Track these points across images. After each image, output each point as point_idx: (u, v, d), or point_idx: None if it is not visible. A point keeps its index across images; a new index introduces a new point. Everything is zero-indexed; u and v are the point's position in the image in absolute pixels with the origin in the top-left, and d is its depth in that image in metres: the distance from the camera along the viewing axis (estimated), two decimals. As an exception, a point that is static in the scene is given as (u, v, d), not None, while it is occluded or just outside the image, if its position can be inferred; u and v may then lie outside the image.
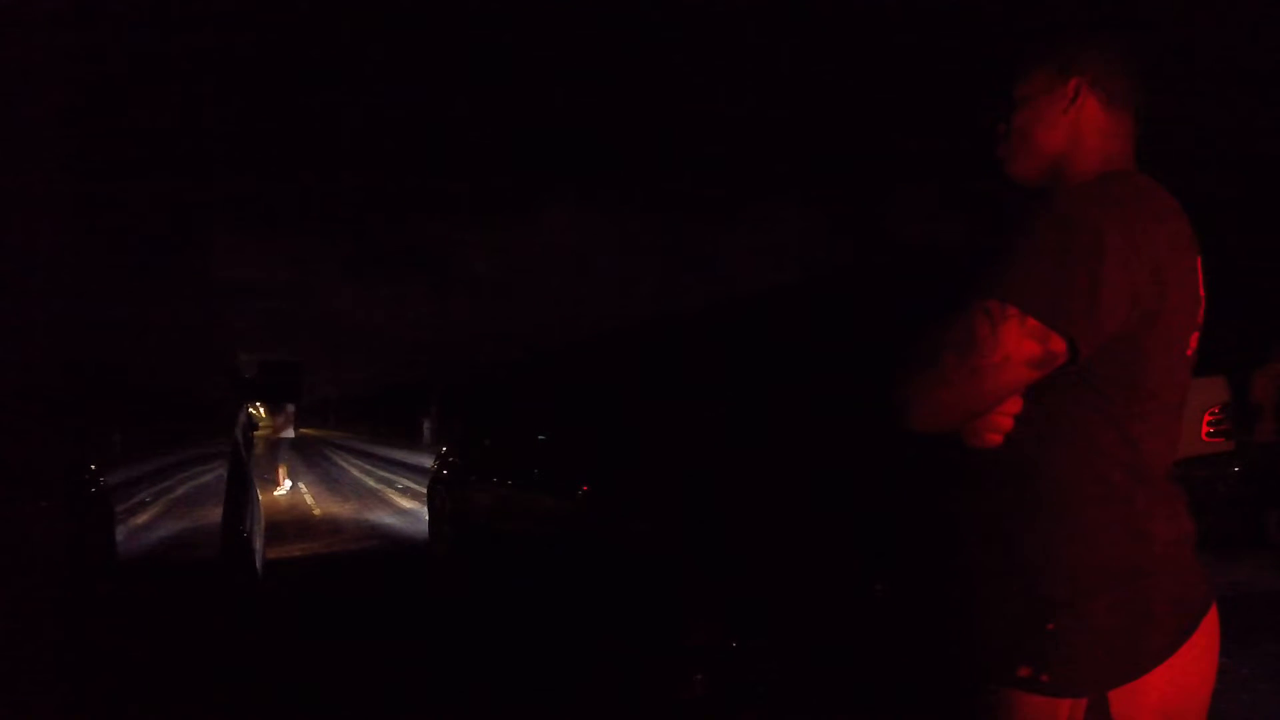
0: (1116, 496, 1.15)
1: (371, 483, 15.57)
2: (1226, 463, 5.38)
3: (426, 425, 29.98)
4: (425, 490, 8.18)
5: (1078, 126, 1.24)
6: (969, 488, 1.24)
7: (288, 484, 14.33)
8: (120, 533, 1.83)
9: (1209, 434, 5.31)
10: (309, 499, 12.75)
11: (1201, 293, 1.22)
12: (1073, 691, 1.12)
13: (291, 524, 9.92)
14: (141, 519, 2.06)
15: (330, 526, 9.76)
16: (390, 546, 8.30)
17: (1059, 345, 1.10)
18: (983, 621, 1.20)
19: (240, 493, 3.02)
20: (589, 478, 4.82)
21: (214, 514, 2.61)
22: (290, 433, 14.50)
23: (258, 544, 3.24)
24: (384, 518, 10.44)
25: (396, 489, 14.08)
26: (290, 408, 13.92)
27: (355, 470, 18.87)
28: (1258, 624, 4.21)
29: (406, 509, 11.17)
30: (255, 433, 6.66)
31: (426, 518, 8.01)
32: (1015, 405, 1.16)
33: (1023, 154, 1.29)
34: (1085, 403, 1.14)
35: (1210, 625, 1.20)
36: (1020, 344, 1.09)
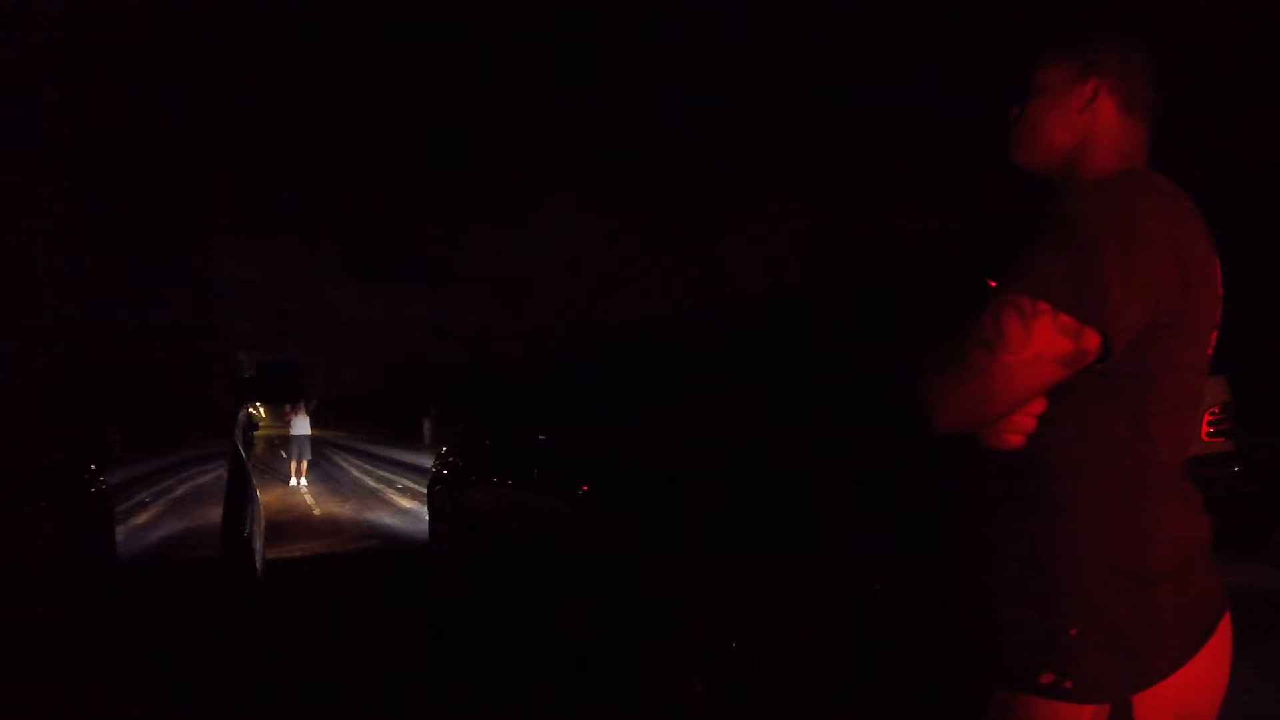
0: (1137, 497, 1.13)
1: (371, 483, 15.56)
2: (1226, 463, 5.37)
3: (426, 425, 29.96)
4: (425, 490, 8.18)
5: (1091, 127, 1.23)
6: (988, 489, 1.21)
7: (303, 482, 14.39)
8: (120, 533, 1.83)
9: (1209, 434, 5.31)
10: (309, 499, 12.75)
11: (1220, 292, 1.21)
12: (1098, 697, 1.10)
13: (291, 524, 9.92)
14: (141, 519, 2.06)
15: (330, 526, 9.75)
16: (390, 546, 8.30)
17: (1092, 342, 1.07)
18: (999, 626, 1.17)
19: (240, 493, 3.02)
20: (589, 478, 4.82)
21: (214, 514, 2.61)
22: (306, 429, 14.60)
23: (258, 544, 3.24)
24: (384, 518, 10.44)
25: (396, 489, 14.08)
26: (301, 403, 14.12)
27: (355, 470, 18.87)
28: (1258, 624, 4.20)
29: (406, 509, 11.16)
30: (256, 432, 6.66)
31: (426, 518, 8.01)
32: (1039, 405, 1.14)
33: (1031, 144, 1.28)
34: (1110, 401, 1.13)
35: (1225, 628, 1.19)
36: (1053, 341, 1.06)
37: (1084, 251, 1.08)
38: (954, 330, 1.13)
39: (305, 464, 14.73)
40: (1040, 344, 1.07)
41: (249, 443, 4.69)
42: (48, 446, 1.75)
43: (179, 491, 2.51)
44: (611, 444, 4.84)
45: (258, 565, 3.14)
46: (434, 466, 7.93)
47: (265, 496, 9.65)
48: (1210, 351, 1.20)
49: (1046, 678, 1.11)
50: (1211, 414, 5.34)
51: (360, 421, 52.71)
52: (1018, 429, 1.15)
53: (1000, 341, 1.08)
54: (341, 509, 11.46)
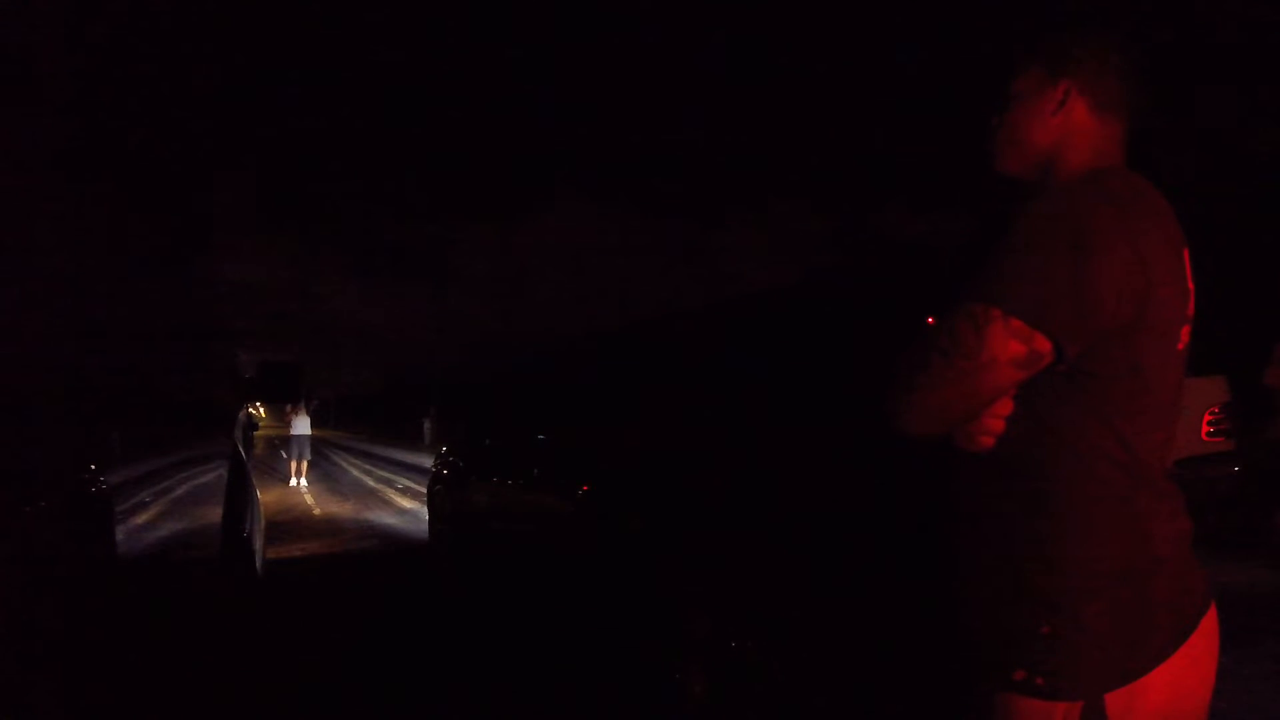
0: (1113, 495, 1.13)
1: (371, 483, 15.56)
2: (1226, 463, 5.37)
3: (426, 425, 29.96)
4: (425, 490, 8.18)
5: (1065, 128, 1.24)
6: (964, 490, 1.23)
7: (303, 482, 14.39)
8: (120, 533, 1.83)
9: (1209, 434, 5.31)
10: (309, 499, 12.75)
11: (1190, 286, 1.20)
12: (1068, 695, 1.11)
13: (291, 524, 9.92)
14: (141, 519, 2.06)
15: (330, 526, 9.75)
16: (390, 546, 8.30)
17: (1044, 345, 1.08)
18: (978, 624, 1.19)
19: (240, 493, 3.02)
20: (589, 478, 4.82)
21: (214, 514, 2.61)
22: (306, 429, 14.59)
23: (258, 544, 3.24)
24: (384, 518, 10.44)
25: (396, 489, 14.08)
26: (302, 403, 14.14)
27: (355, 470, 18.87)
28: (1258, 624, 4.20)
29: (406, 509, 11.16)
30: (255, 432, 6.67)
31: (426, 518, 8.01)
32: (1005, 407, 1.15)
33: (1011, 150, 1.29)
34: (1078, 401, 1.13)
35: (1209, 626, 1.19)
36: (1005, 345, 1.08)
37: (1034, 255, 1.09)
38: (921, 337, 1.15)
39: (305, 464, 14.73)
40: (993, 349, 1.08)
41: (249, 443, 4.70)
42: (48, 446, 1.75)
43: (179, 491, 2.51)
44: (611, 444, 4.84)
45: (258, 565, 3.14)
46: (434, 466, 7.93)
47: (265, 496, 9.65)
48: (1182, 346, 1.19)
49: (1019, 675, 1.12)
50: (1211, 414, 5.34)
51: (360, 422, 52.73)
52: (986, 431, 1.16)
53: (955, 347, 1.10)
54: (341, 509, 11.46)
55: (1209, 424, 5.32)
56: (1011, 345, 1.08)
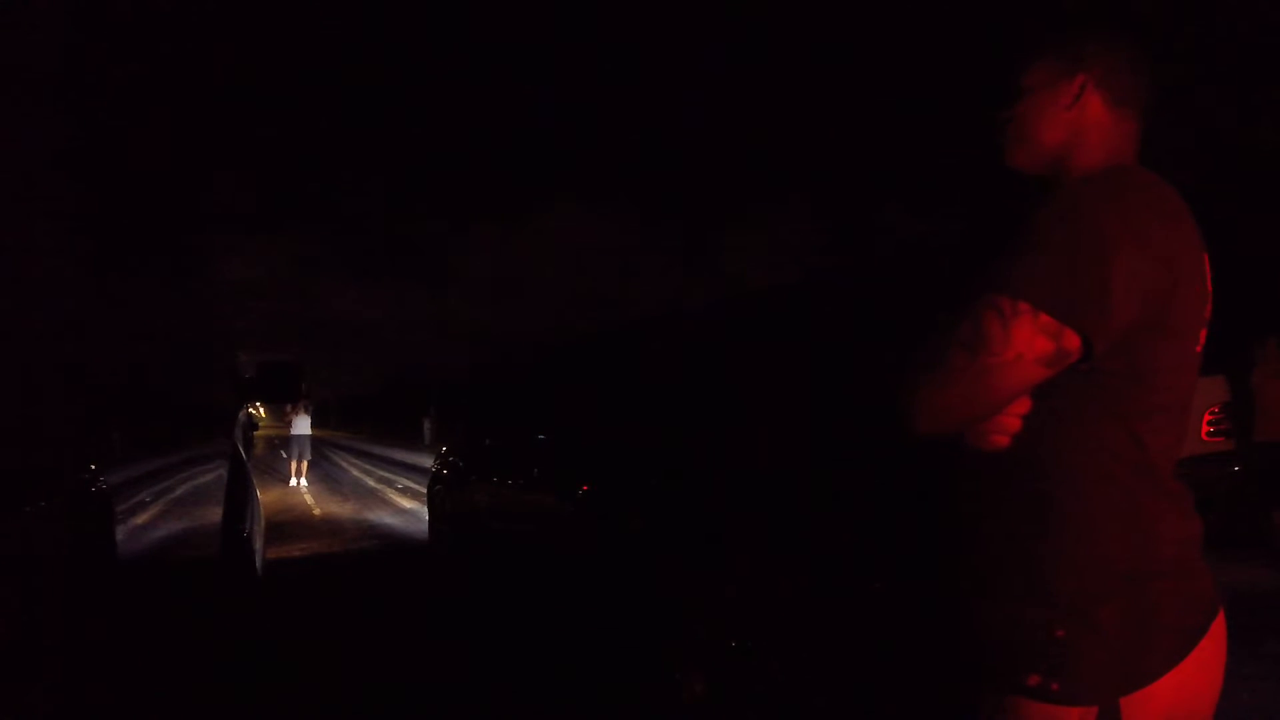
0: (1125, 497, 1.12)
1: (371, 483, 15.56)
2: (1226, 463, 5.37)
3: (426, 425, 29.97)
4: (425, 490, 8.18)
5: (1080, 123, 1.22)
6: (973, 489, 1.21)
7: (303, 482, 14.40)
8: (120, 533, 1.83)
9: (1209, 434, 5.31)
10: (309, 499, 12.75)
11: (1209, 288, 1.19)
12: (1084, 700, 1.09)
13: (291, 524, 9.92)
14: (141, 519, 2.05)
15: (330, 526, 9.75)
16: (390, 546, 8.29)
17: (1072, 342, 1.06)
18: (988, 626, 1.16)
19: (240, 493, 3.02)
20: (589, 478, 4.82)
21: (214, 514, 2.61)
22: (306, 429, 14.60)
23: (258, 544, 3.24)
24: (384, 518, 10.44)
25: (396, 489, 14.07)
26: (302, 404, 14.15)
27: (355, 470, 18.87)
28: (1258, 624, 4.20)
29: (406, 509, 11.16)
30: (255, 432, 6.66)
31: (426, 518, 8.01)
32: (1023, 406, 1.13)
33: (1022, 144, 1.27)
34: (1093, 401, 1.11)
35: (1219, 629, 1.17)
36: (1033, 341, 1.06)
37: (1063, 251, 1.07)
38: (938, 333, 1.12)
39: (305, 464, 14.73)
40: (1020, 344, 1.06)
41: (249, 443, 4.70)
42: (48, 446, 1.75)
43: (179, 491, 2.50)
44: (612, 444, 4.84)
45: (258, 565, 3.14)
46: (434, 466, 7.94)
47: (265, 496, 9.64)
48: (1199, 349, 1.18)
49: (1033, 679, 1.10)
50: (1211, 414, 5.34)
51: (360, 421, 52.73)
52: (1003, 430, 1.14)
53: (980, 343, 1.07)
54: (341, 509, 11.46)
55: (1209, 424, 5.33)
56: (1039, 342, 1.06)
